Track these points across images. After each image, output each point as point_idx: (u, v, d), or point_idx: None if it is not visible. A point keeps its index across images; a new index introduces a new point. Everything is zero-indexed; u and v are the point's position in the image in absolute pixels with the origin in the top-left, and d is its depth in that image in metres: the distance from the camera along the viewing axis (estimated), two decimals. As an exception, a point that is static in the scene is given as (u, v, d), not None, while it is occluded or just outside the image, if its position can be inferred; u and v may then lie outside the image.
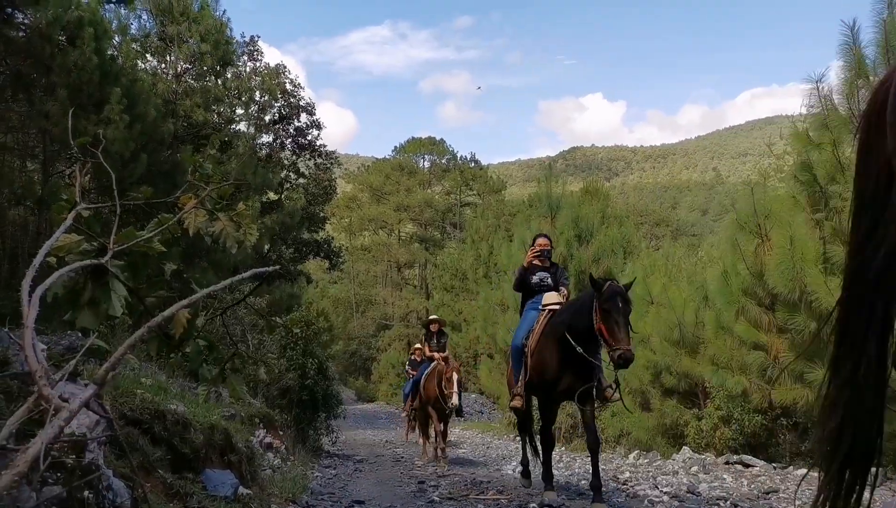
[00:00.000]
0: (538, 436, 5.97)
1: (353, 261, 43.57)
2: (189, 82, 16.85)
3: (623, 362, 4.55)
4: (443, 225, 44.04)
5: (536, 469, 6.05)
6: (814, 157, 7.04)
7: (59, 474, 1.95)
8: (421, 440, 11.06)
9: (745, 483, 6.61)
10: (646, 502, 5.38)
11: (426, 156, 45.92)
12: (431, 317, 11.73)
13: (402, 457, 10.03)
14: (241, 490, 3.58)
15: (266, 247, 19.22)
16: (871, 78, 6.43)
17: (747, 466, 7.63)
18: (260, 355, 8.34)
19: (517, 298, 17.02)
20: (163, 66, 16.78)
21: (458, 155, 45.36)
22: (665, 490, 6.03)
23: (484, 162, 48.25)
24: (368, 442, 13.45)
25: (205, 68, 16.89)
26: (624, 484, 6.51)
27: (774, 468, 7.48)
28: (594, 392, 5.15)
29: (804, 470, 7.09)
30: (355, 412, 24.37)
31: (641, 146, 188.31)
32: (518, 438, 8.20)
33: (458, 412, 9.77)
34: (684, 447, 8.91)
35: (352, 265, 44.00)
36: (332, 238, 26.79)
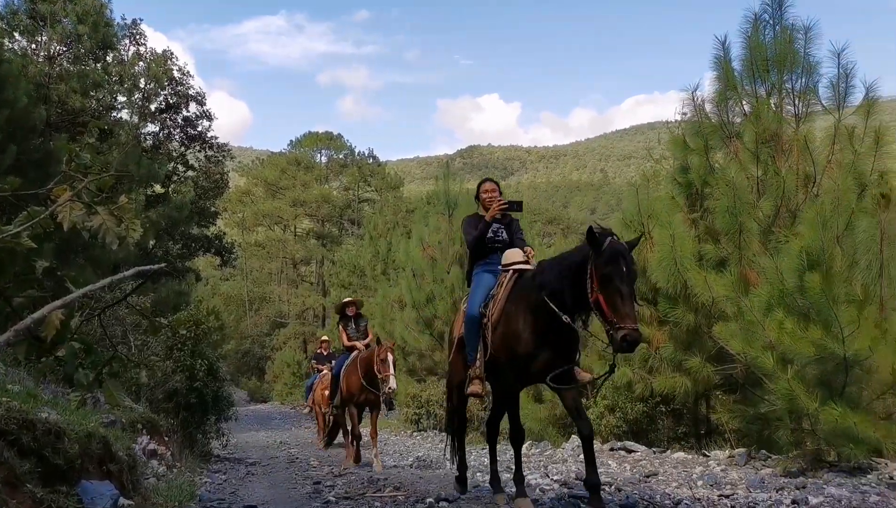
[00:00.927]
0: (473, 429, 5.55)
1: (246, 257, 42.12)
2: (64, 66, 15.65)
3: (628, 345, 3.58)
4: (340, 221, 43.46)
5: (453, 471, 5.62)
6: (690, 161, 7.56)
7: None
8: (345, 443, 9.97)
9: (628, 467, 7.00)
10: (537, 490, 5.59)
11: (323, 151, 45.12)
12: (346, 299, 10.22)
13: (297, 458, 9.83)
14: (122, 501, 3.38)
15: (151, 243, 18.21)
16: (738, 90, 6.99)
17: (630, 452, 8.09)
18: (143, 357, 7.90)
19: (459, 274, 16.93)
20: (33, 46, 15.48)
21: (357, 151, 44.92)
22: (555, 477, 6.28)
23: (382, 158, 48.07)
24: (262, 444, 13.07)
25: (82, 51, 15.74)
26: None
27: (654, 452, 7.97)
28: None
29: (681, 454, 7.61)
30: (248, 413, 23.61)
31: (535, 147, 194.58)
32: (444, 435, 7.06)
33: (389, 404, 8.96)
34: (573, 436, 9.31)
35: (245, 262, 42.52)
36: (224, 234, 25.78)
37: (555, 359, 4.20)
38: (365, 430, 9.10)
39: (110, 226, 2.63)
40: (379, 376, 8.18)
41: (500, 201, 4.93)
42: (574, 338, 4.27)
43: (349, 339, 9.36)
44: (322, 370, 12.76)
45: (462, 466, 5.54)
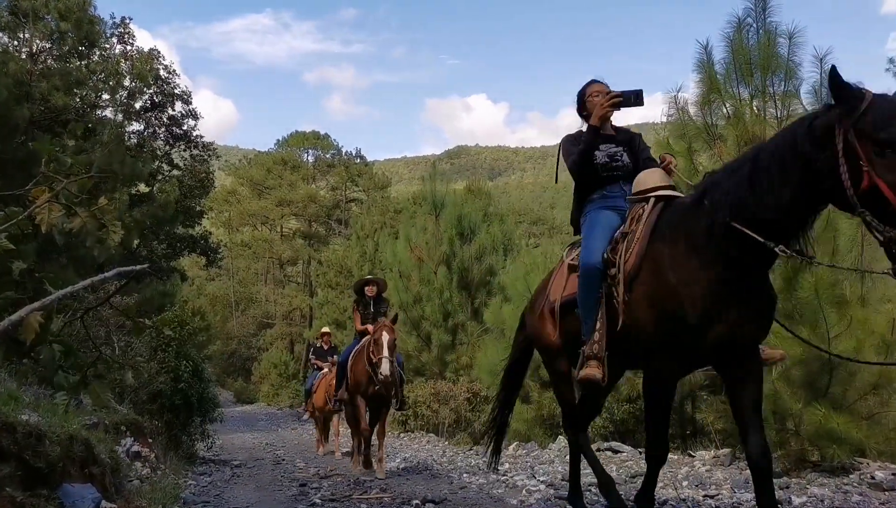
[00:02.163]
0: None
1: (232, 257, 41.89)
2: (47, 63, 15.47)
3: None
4: (328, 221, 43.31)
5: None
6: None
7: None
8: (353, 444, 8.56)
9: (615, 468, 7.03)
10: (524, 491, 5.59)
11: (310, 150, 44.94)
12: (366, 277, 8.80)
13: (283, 459, 9.77)
14: (104, 504, 3.34)
15: (136, 242, 18.04)
16: (721, 92, 7.05)
17: (616, 452, 8.12)
18: (127, 358, 7.81)
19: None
20: (15, 43, 15.28)
21: (344, 150, 44.79)
22: (542, 479, 6.28)
23: (370, 158, 48.03)
24: (247, 446, 12.99)
25: (66, 49, 15.57)
26: (503, 476, 6.71)
27: (640, 453, 8.00)
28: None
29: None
30: (234, 414, 23.47)
31: (522, 147, 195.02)
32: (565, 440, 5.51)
33: (401, 404, 7.78)
34: (560, 436, 9.33)
35: (231, 262, 42.29)
36: (210, 234, 25.61)
37: (744, 325, 2.75)
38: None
39: (91, 228, 2.60)
40: (373, 359, 6.96)
41: (606, 96, 3.45)
42: (769, 289, 2.88)
43: (362, 322, 7.88)
44: (323, 369, 11.58)
45: (575, 485, 4.28)
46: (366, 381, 7.29)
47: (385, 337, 6.81)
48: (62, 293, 2.10)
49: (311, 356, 12.64)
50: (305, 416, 12.53)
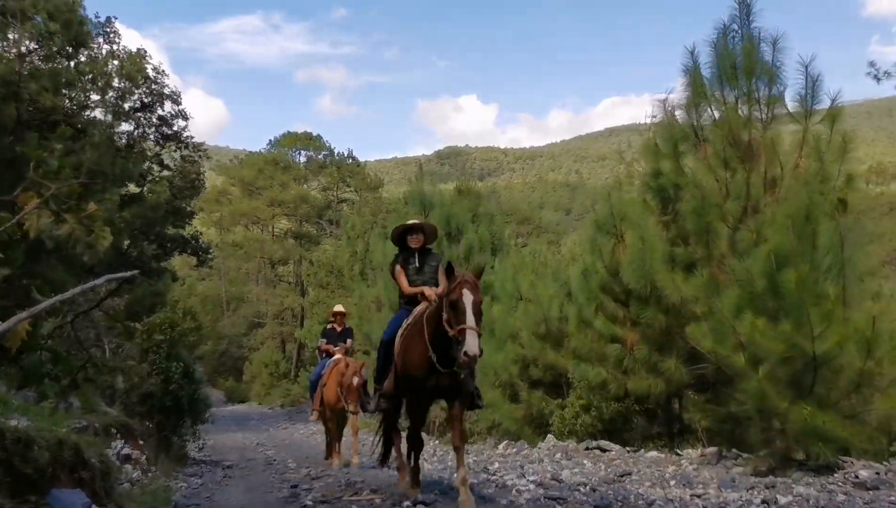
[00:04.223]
0: None
1: (223, 257, 41.72)
2: (36, 64, 15.37)
3: None
4: (319, 221, 43.21)
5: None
6: (662, 165, 7.69)
7: None
8: (395, 454, 8.20)
9: (603, 466, 7.09)
10: (513, 491, 5.63)
11: (302, 151, 44.80)
12: (408, 222, 6.92)
13: (274, 460, 9.78)
14: (94, 508, 3.35)
15: (126, 243, 17.98)
16: (708, 96, 7.13)
17: (604, 451, 8.18)
18: (117, 360, 7.80)
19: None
20: (4, 43, 15.17)
21: (336, 151, 44.69)
22: (531, 478, 6.32)
23: (361, 158, 47.82)
24: (239, 446, 12.98)
25: (54, 49, 15.47)
26: (493, 475, 6.75)
27: (628, 451, 8.07)
28: None
29: (654, 453, 7.72)
30: (225, 414, 23.42)
31: (512, 148, 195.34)
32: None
33: (474, 398, 8.01)
34: (549, 435, 9.39)
35: (222, 262, 42.13)
36: (201, 234, 25.52)
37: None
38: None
39: (79, 234, 2.61)
40: (449, 331, 6.53)
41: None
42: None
43: (410, 283, 5.87)
44: (334, 355, 9.42)
45: None
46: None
47: (468, 298, 4.44)
48: (51, 302, 2.12)
49: (319, 341, 10.51)
50: (312, 416, 9.80)
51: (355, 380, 8.34)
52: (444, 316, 4.59)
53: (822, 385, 6.25)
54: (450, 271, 4.67)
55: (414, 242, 5.83)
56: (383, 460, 6.35)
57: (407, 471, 5.74)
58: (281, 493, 5.94)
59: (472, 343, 4.32)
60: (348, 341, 9.69)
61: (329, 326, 10.25)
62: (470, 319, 4.41)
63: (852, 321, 6.07)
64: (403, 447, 5.83)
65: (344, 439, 9.18)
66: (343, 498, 5.43)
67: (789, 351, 6.07)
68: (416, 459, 5.59)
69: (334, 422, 8.94)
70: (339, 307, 10.51)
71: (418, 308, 5.39)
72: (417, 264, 5.77)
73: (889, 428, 6.91)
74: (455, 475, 5.19)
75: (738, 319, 6.37)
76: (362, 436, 9.36)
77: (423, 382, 4.98)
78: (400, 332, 5.42)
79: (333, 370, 8.92)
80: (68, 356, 2.69)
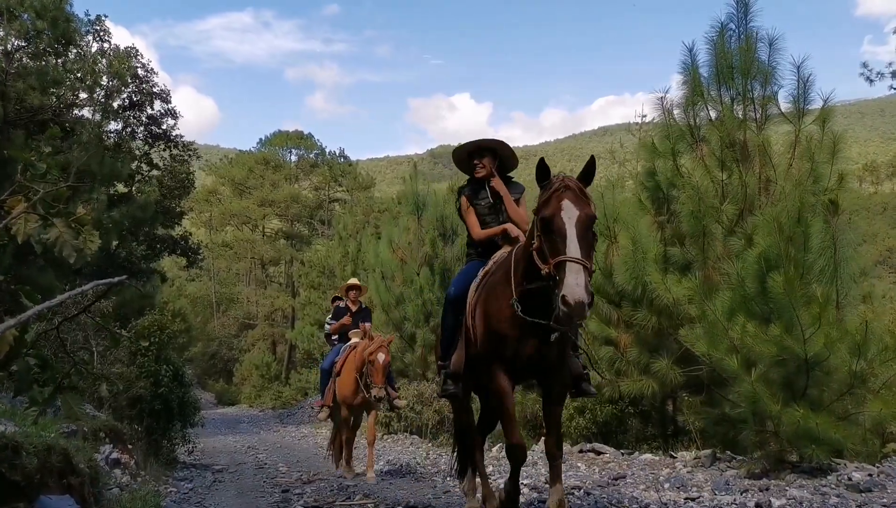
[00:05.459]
0: None
1: (213, 258, 41.53)
2: (23, 62, 15.20)
3: None
4: (310, 221, 43.07)
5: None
6: (658, 165, 7.68)
7: None
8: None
9: (597, 469, 7.07)
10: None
11: (293, 150, 44.68)
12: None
13: (265, 463, 9.71)
14: (82, 516, 3.29)
15: (114, 244, 17.81)
16: (705, 95, 7.13)
17: (599, 453, 8.16)
18: (105, 364, 7.70)
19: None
20: (-10, 41, 15.00)
21: (327, 150, 44.58)
22: (525, 482, 6.29)
23: (353, 158, 47.77)
24: (229, 449, 12.89)
25: (42, 47, 15.31)
26: (488, 479, 6.71)
27: (622, 454, 8.05)
28: None
29: (648, 455, 7.71)
30: (215, 416, 23.27)
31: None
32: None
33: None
34: (543, 438, 9.35)
35: (212, 262, 41.94)
36: (190, 234, 25.36)
37: None
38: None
39: (67, 238, 2.55)
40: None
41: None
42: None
43: (482, 225, 4.84)
44: (352, 340, 7.97)
45: None
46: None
47: (570, 212, 3.21)
48: (38, 310, 2.06)
49: (327, 322, 8.71)
50: (321, 413, 8.11)
51: (380, 356, 6.92)
52: (534, 243, 3.29)
53: (814, 387, 6.25)
54: (542, 172, 3.34)
55: (482, 169, 4.50)
56: (461, 474, 4.84)
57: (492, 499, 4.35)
58: (273, 498, 5.89)
59: (575, 283, 2.92)
60: (367, 324, 7.94)
61: (341, 303, 8.41)
62: (573, 245, 3.06)
63: (844, 323, 6.08)
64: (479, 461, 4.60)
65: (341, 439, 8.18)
66: (335, 504, 5.38)
67: (781, 353, 6.07)
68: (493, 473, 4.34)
69: (349, 421, 7.56)
70: (353, 281, 8.75)
71: (500, 253, 4.16)
72: (491, 199, 4.49)
73: (882, 430, 6.93)
74: (548, 497, 3.83)
75: (730, 321, 6.37)
76: (379, 445, 8.13)
77: (503, 348, 3.63)
78: (474, 285, 4.11)
79: (350, 357, 7.46)
80: (55, 363, 2.63)
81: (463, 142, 4.75)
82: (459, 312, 4.19)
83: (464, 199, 4.54)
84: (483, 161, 4.46)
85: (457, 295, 4.25)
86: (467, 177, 4.65)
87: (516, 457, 3.88)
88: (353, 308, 8.23)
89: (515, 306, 3.44)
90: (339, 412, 7.74)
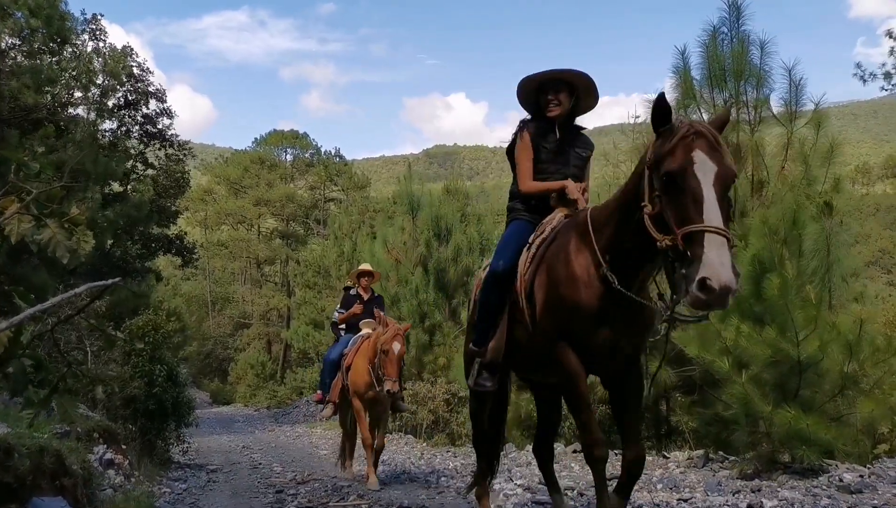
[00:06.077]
0: None
1: (208, 257, 41.43)
2: (17, 60, 15.16)
3: None
4: (306, 221, 43.02)
5: None
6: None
7: None
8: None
9: (590, 470, 7.08)
10: (501, 495, 5.62)
11: (289, 149, 44.62)
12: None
13: (260, 463, 9.70)
14: (75, 517, 3.29)
15: (109, 243, 17.78)
16: (697, 98, 7.16)
17: (592, 454, 8.18)
18: (99, 365, 7.69)
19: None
20: (-16, 40, 14.95)
21: (323, 149, 44.53)
22: (519, 482, 6.32)
23: (348, 157, 47.73)
24: (224, 449, 12.87)
25: (36, 45, 15.28)
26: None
27: (616, 454, 8.08)
28: None
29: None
30: (210, 416, 23.23)
31: (501, 147, 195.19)
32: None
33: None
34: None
35: (207, 262, 41.83)
36: (185, 234, 25.33)
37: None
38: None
39: (61, 239, 2.56)
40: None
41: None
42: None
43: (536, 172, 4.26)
44: (363, 330, 7.24)
45: None
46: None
47: (705, 167, 2.57)
48: (32, 312, 2.07)
49: (336, 312, 7.95)
50: (325, 410, 7.44)
51: (396, 346, 6.27)
52: (648, 207, 2.52)
53: (806, 389, 6.29)
54: (660, 114, 2.56)
55: (557, 106, 3.60)
56: (476, 479, 4.23)
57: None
58: (266, 498, 5.89)
59: (719, 262, 2.23)
60: (381, 313, 7.21)
61: (353, 291, 7.71)
62: (713, 210, 2.34)
63: (836, 325, 6.12)
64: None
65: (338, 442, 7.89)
66: (329, 504, 5.39)
67: (775, 355, 6.10)
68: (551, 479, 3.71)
69: (363, 415, 6.72)
70: (365, 266, 7.98)
71: (555, 218, 3.41)
72: (558, 143, 3.63)
73: (873, 430, 6.97)
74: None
75: (723, 323, 6.40)
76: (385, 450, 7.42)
77: (575, 322, 2.91)
78: (525, 257, 3.33)
79: (362, 348, 6.78)
80: (49, 364, 2.63)
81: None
82: (507, 289, 3.38)
83: (526, 134, 3.64)
84: (559, 96, 3.55)
85: (506, 268, 3.39)
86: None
87: (595, 459, 3.11)
88: (365, 296, 7.61)
89: (610, 278, 2.72)
90: (344, 412, 7.30)
